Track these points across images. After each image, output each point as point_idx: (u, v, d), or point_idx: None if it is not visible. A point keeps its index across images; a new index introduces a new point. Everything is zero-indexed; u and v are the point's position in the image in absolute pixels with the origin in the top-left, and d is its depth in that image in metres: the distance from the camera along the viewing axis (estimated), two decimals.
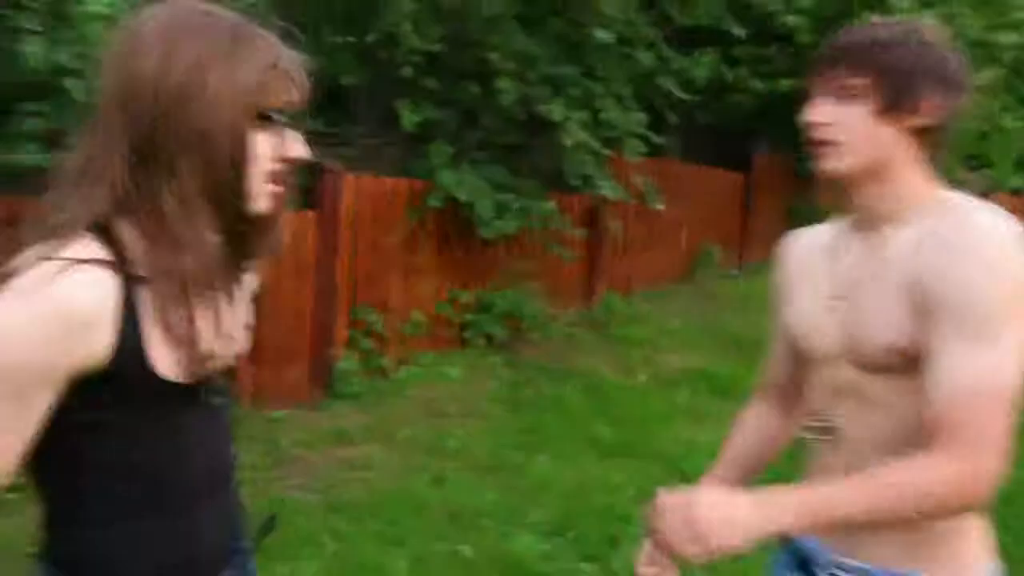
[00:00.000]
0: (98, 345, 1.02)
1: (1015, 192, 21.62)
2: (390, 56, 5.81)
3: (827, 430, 1.47)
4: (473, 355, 6.43)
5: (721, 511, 1.19)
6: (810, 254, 1.56)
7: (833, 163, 1.36)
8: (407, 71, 5.73)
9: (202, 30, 1.07)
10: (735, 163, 10.27)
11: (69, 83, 3.81)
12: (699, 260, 9.60)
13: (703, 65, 6.90)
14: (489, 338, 6.62)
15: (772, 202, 10.84)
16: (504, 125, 6.39)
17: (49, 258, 1.00)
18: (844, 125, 1.34)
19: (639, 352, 6.92)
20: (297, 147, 1.14)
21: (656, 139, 6.84)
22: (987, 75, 9.05)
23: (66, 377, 1.03)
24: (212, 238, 1.09)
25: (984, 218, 1.29)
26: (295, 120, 1.16)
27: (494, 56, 5.92)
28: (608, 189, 6.50)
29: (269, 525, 1.42)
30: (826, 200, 1.51)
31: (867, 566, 1.39)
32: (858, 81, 1.33)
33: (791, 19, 6.47)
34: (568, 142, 6.10)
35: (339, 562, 3.51)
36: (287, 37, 1.15)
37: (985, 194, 17.98)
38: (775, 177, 10.73)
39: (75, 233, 1.03)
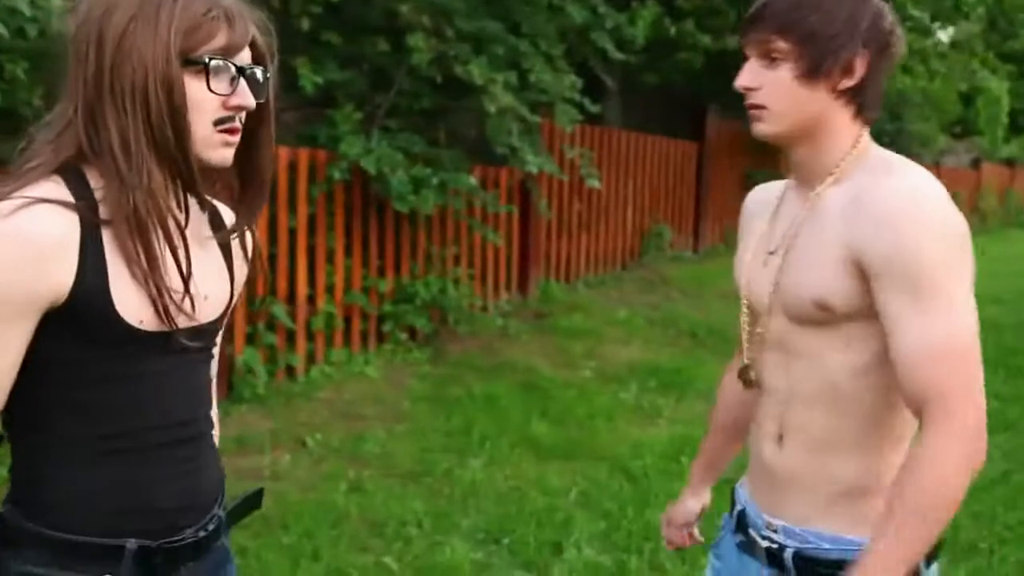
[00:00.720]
0: (60, 276, 1.23)
1: (1007, 162, 22.29)
2: (285, 6, 5.87)
3: (752, 379, 1.69)
4: (393, 351, 6.58)
5: None
6: (757, 209, 1.79)
7: (763, 127, 1.56)
8: (304, 23, 5.79)
9: None
10: (685, 130, 10.55)
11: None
12: (648, 241, 9.88)
13: (643, 19, 7.11)
14: (411, 331, 6.77)
15: (728, 173, 11.19)
16: (419, 88, 6.51)
17: (13, 196, 1.22)
18: (770, 89, 1.53)
19: (581, 345, 7.14)
20: (242, 94, 1.33)
21: (592, 106, 7.03)
22: (958, 31, 9.42)
23: (33, 310, 1.24)
24: (157, 179, 1.29)
25: (911, 178, 1.49)
26: (246, 67, 1.34)
27: (404, 8, 6.02)
28: (536, 164, 6.64)
29: (253, 500, 1.60)
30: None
31: (793, 526, 1.61)
32: (782, 45, 1.50)
33: None
34: (492, 107, 6.18)
35: None
36: None
37: (976, 163, 18.60)
38: (730, 144, 11.05)
39: (43, 176, 1.27)
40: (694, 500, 2.03)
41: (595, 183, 7.38)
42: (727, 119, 11.02)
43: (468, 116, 6.85)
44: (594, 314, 7.90)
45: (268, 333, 5.86)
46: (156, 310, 1.30)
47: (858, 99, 1.54)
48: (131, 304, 1.29)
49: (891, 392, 1.51)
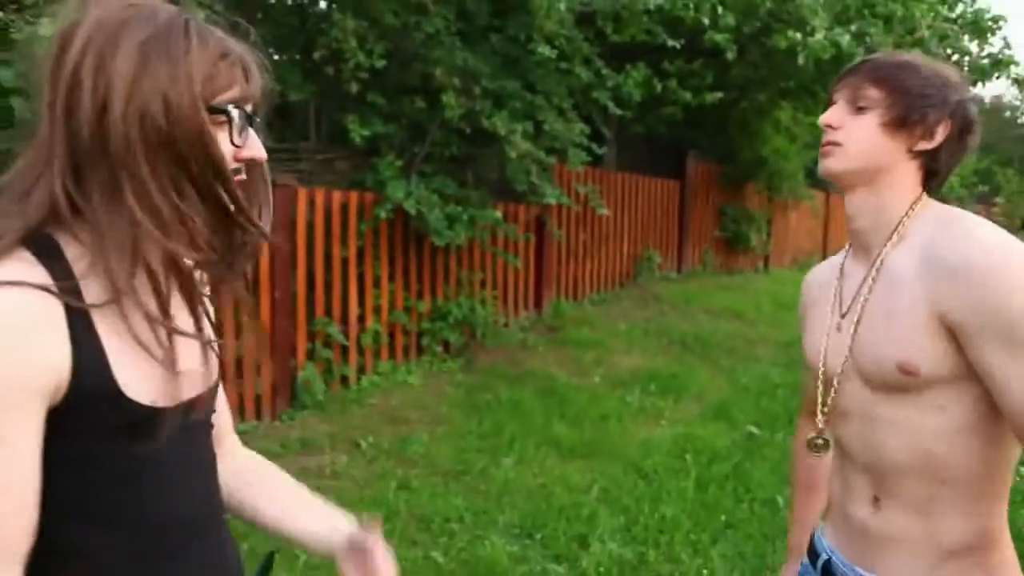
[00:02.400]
0: (52, 358, 0.87)
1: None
2: (336, 72, 5.68)
3: (820, 446, 1.47)
4: (431, 362, 6.32)
5: None
6: (821, 282, 1.54)
7: (832, 163, 1.35)
8: (353, 87, 5.61)
9: (135, 22, 0.92)
10: (667, 171, 10.35)
11: (14, 102, 3.63)
12: (641, 264, 9.62)
13: (634, 78, 6.90)
14: (446, 345, 6.53)
15: (705, 207, 10.97)
16: (449, 138, 6.32)
17: None
18: (850, 130, 1.34)
19: (590, 354, 6.86)
20: (253, 145, 1.00)
21: (598, 150, 6.82)
22: None
23: (33, 401, 0.87)
24: (202, 236, 0.95)
25: (979, 229, 1.24)
26: (252, 119, 1.01)
27: (438, 71, 5.83)
28: (553, 196, 6.45)
29: (267, 564, 1.27)
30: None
31: None
32: (873, 92, 1.32)
33: (718, 36, 6.51)
34: (512, 153, 6.04)
35: (311, 572, 3.37)
36: (236, 31, 1.01)
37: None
38: (706, 183, 10.87)
39: (8, 250, 0.88)
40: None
41: (604, 211, 7.16)
42: (703, 162, 10.82)
43: (491, 161, 6.62)
44: (599, 327, 7.63)
45: (325, 349, 5.65)
46: (166, 383, 0.95)
47: (929, 164, 1.35)
48: (138, 381, 0.93)
49: (987, 450, 1.25)
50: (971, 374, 1.23)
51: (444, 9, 6.04)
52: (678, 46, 6.64)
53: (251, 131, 1.00)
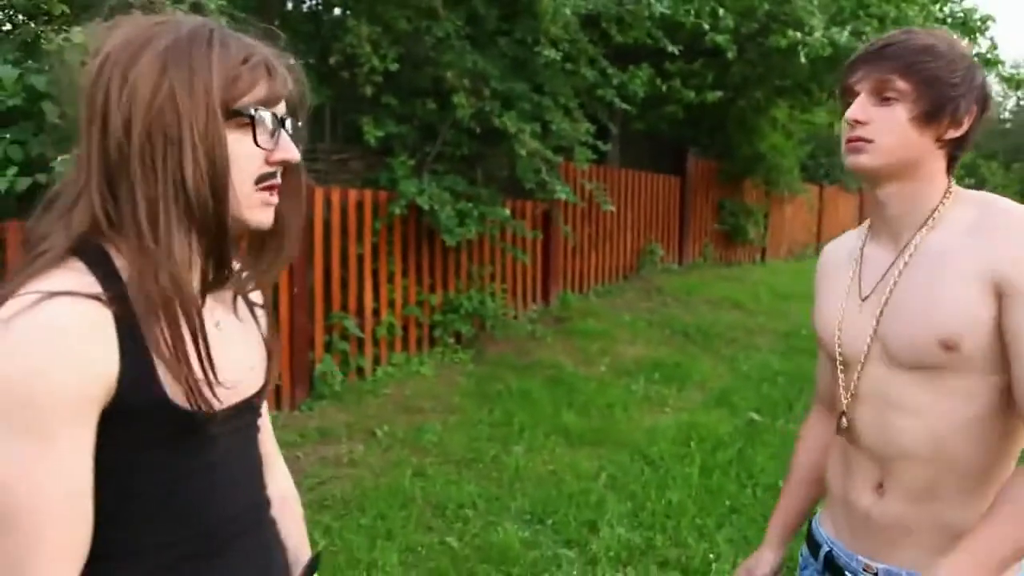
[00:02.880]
0: (101, 365, 0.84)
1: None
2: (351, 76, 5.60)
3: (848, 432, 1.36)
4: (443, 353, 6.25)
5: None
6: (836, 259, 1.47)
7: (863, 160, 1.27)
8: (368, 90, 5.53)
9: (157, 34, 0.90)
10: (668, 168, 10.25)
11: (46, 107, 3.57)
12: (644, 257, 9.54)
13: (639, 79, 6.80)
14: (457, 336, 6.46)
15: (704, 202, 10.87)
16: (460, 138, 6.24)
17: (25, 291, 0.83)
18: (880, 125, 1.25)
19: (596, 344, 6.78)
20: (286, 147, 0.95)
21: (603, 147, 6.73)
22: None
23: (87, 409, 0.84)
24: (183, 254, 0.89)
25: (1016, 204, 1.23)
26: (288, 120, 0.97)
27: (449, 74, 5.75)
28: (563, 193, 6.36)
29: (312, 566, 1.19)
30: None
31: (897, 567, 1.28)
32: (902, 84, 1.23)
33: (719, 37, 6.41)
34: (522, 151, 5.97)
35: (331, 558, 3.31)
36: (267, 36, 0.98)
37: None
38: (705, 179, 10.76)
39: (56, 263, 0.86)
40: (773, 555, 1.60)
41: (609, 207, 7.06)
42: (703, 158, 10.72)
43: (500, 159, 6.54)
44: (604, 318, 7.54)
45: (341, 341, 5.58)
46: (194, 391, 0.90)
47: (956, 151, 1.28)
48: (178, 390, 0.90)
49: (998, 441, 1.19)
50: (1000, 362, 1.18)
51: (454, 14, 5.95)
52: (676, 52, 6.52)
53: (283, 133, 0.96)
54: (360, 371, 5.74)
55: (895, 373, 1.27)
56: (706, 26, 6.33)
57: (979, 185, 22.99)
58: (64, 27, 3.65)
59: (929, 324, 1.21)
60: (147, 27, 0.91)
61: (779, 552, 1.61)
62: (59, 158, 3.50)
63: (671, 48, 6.34)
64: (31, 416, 0.80)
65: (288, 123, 0.97)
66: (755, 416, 5.01)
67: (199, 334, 0.90)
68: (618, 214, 8.92)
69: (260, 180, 0.94)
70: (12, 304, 0.82)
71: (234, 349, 1.00)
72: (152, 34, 0.90)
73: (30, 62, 3.68)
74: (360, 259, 5.83)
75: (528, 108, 6.17)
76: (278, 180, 0.97)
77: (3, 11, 4.09)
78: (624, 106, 6.64)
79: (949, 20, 7.89)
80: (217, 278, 0.97)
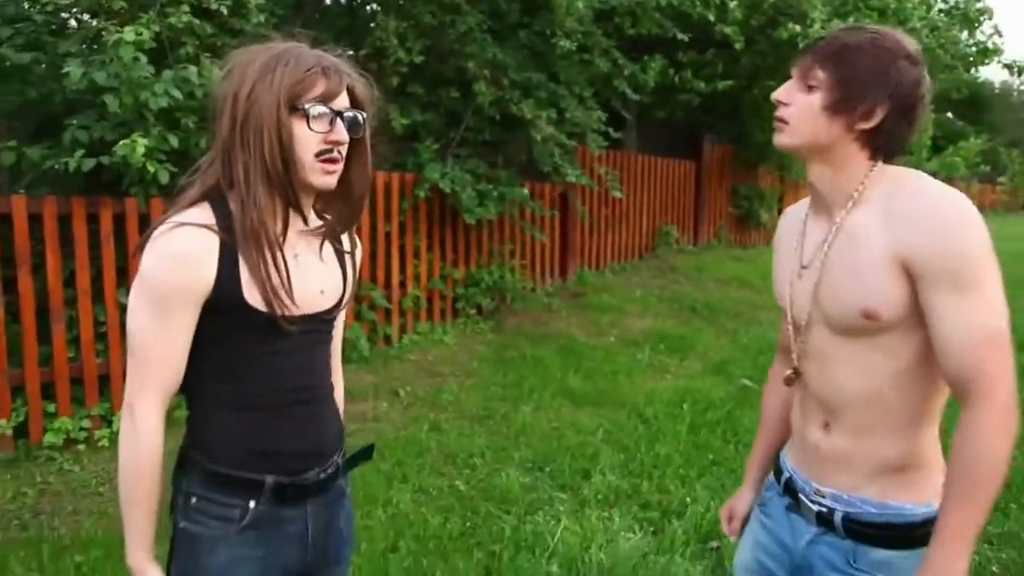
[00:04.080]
0: (206, 277, 1.26)
1: (930, 175, 22.02)
2: (379, 67, 5.88)
3: (799, 382, 1.52)
4: (464, 324, 6.55)
5: None
6: (788, 228, 1.56)
7: (781, 138, 1.40)
8: (394, 80, 5.80)
9: (255, 57, 1.30)
10: (684, 153, 10.40)
11: (107, 98, 3.89)
12: (659, 238, 9.73)
13: (652, 69, 7.00)
14: (478, 308, 6.75)
15: (718, 186, 11.01)
16: (482, 124, 6.49)
17: (169, 220, 1.27)
18: (797, 109, 1.36)
19: (607, 317, 7.04)
20: (338, 131, 1.30)
21: (614, 134, 6.94)
22: None
23: (193, 302, 1.27)
24: (265, 202, 1.29)
25: (935, 187, 1.30)
26: (341, 111, 1.32)
27: (471, 64, 6.01)
28: (575, 176, 6.60)
29: (366, 452, 1.56)
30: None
31: (841, 493, 1.44)
32: (820, 74, 1.34)
33: (727, 29, 6.57)
34: (538, 136, 6.21)
35: (355, 496, 3.61)
36: (330, 49, 1.37)
37: None
38: (720, 164, 10.90)
39: (191, 203, 1.30)
40: (752, 493, 1.75)
41: (618, 193, 7.28)
42: (718, 144, 10.85)
43: (519, 144, 6.78)
44: (617, 294, 7.79)
45: (369, 311, 5.90)
46: (267, 301, 1.29)
47: (872, 142, 1.36)
48: (256, 297, 1.29)
49: (925, 387, 1.35)
50: (920, 320, 1.29)
51: (477, 8, 6.20)
52: (686, 39, 6.70)
53: (339, 122, 1.30)
54: (387, 339, 6.06)
55: (832, 334, 1.39)
56: (711, 17, 6.49)
57: (999, 172, 22.69)
58: (119, 27, 3.96)
59: (852, 297, 1.33)
60: (255, 51, 1.31)
61: (757, 490, 1.73)
62: (120, 142, 3.85)
63: (681, 36, 6.51)
64: (157, 296, 1.26)
65: (353, 115, 1.32)
66: (747, 382, 5.26)
67: (277, 258, 1.30)
68: (634, 197, 9.13)
69: (319, 154, 1.30)
70: (161, 227, 1.27)
71: (308, 276, 1.37)
72: (254, 56, 1.30)
73: (92, 57, 4.00)
74: (388, 236, 6.13)
75: (544, 96, 6.40)
76: (336, 155, 1.32)
77: (69, 10, 4.42)
78: (635, 96, 6.82)
79: (952, 11, 7.95)
80: (294, 223, 1.36)
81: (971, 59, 7.33)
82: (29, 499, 3.55)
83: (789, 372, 1.52)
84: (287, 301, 1.31)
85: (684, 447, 4.14)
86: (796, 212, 1.57)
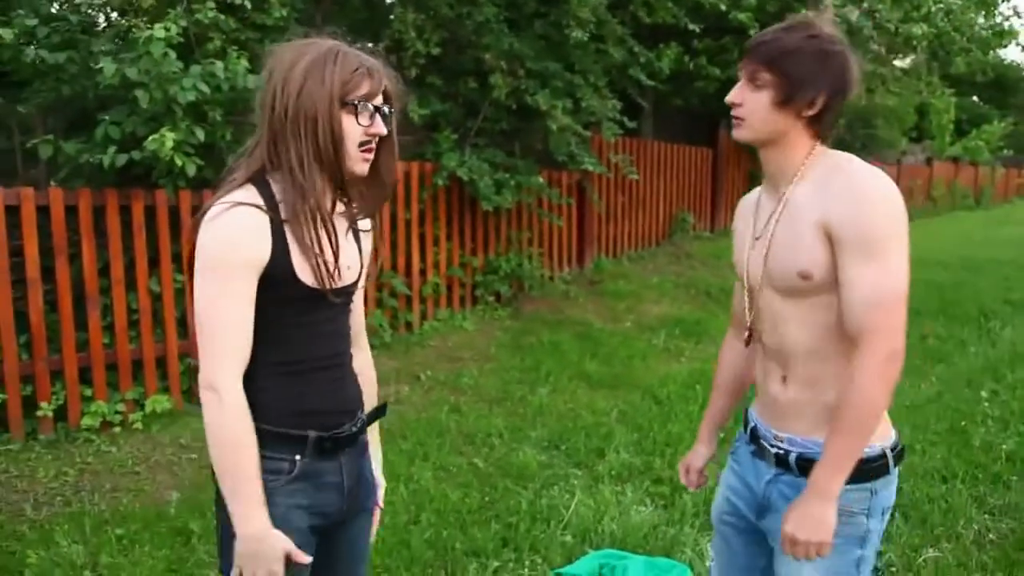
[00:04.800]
0: (262, 251, 1.39)
1: (953, 160, 21.80)
2: (398, 59, 6.00)
3: (756, 341, 1.70)
4: (483, 310, 6.68)
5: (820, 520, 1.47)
6: (744, 208, 1.77)
7: (740, 134, 1.59)
8: (412, 72, 5.92)
9: (306, 53, 1.42)
10: (703, 140, 10.45)
11: (139, 93, 4.04)
12: (676, 225, 9.80)
13: (667, 57, 7.07)
14: (497, 295, 6.87)
15: (736, 172, 11.05)
16: (499, 114, 6.59)
17: (222, 201, 1.39)
18: (750, 107, 1.54)
19: (624, 303, 7.15)
20: (379, 125, 1.45)
21: (629, 123, 7.01)
22: (909, 60, 9.20)
23: (253, 273, 1.39)
24: (320, 185, 1.43)
25: (862, 168, 1.49)
26: (380, 107, 1.47)
27: (488, 55, 6.11)
28: (590, 164, 6.70)
29: (381, 410, 1.73)
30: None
31: (795, 436, 1.62)
32: (765, 76, 1.51)
33: (740, 16, 6.63)
34: (553, 126, 6.29)
35: None
36: (373, 51, 1.51)
37: (928, 161, 18.01)
38: (737, 151, 10.92)
39: (239, 186, 1.42)
40: (706, 449, 1.97)
41: (634, 175, 7.36)
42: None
43: (536, 133, 6.89)
44: (634, 280, 7.89)
45: (391, 299, 6.04)
46: (318, 276, 1.44)
47: (815, 125, 1.56)
48: (305, 272, 1.43)
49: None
50: None
51: (493, 0, 6.29)
52: (697, 29, 6.76)
53: (378, 117, 1.45)
54: (408, 325, 6.20)
55: (778, 296, 1.59)
56: (723, 7, 6.55)
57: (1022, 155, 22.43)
58: (148, 24, 4.12)
59: (791, 261, 1.53)
60: (299, 48, 1.43)
61: (711, 446, 1.97)
62: (151, 137, 4.01)
63: (692, 27, 6.58)
64: (220, 268, 1.38)
65: (384, 109, 1.46)
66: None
67: (332, 237, 1.46)
68: (651, 184, 9.20)
69: (361, 145, 1.44)
70: (216, 207, 1.39)
71: (341, 253, 1.51)
72: (302, 53, 1.42)
73: (123, 55, 4.15)
74: (408, 224, 6.25)
75: (560, 86, 6.50)
76: (373, 146, 1.47)
77: (100, 9, 4.58)
78: (650, 83, 6.89)
79: None
80: (340, 204, 1.51)
81: (988, 42, 7.32)
82: (70, 478, 3.73)
83: (746, 334, 1.72)
84: (336, 276, 1.47)
85: (696, 426, 4.22)
86: (752, 195, 1.77)
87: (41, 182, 4.63)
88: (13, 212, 4.04)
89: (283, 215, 1.41)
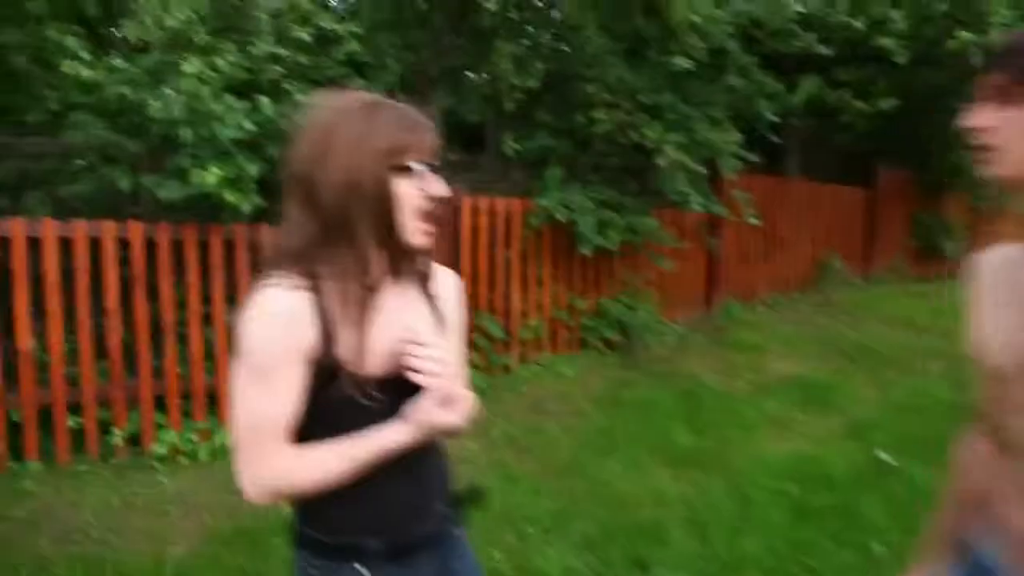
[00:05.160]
0: (304, 337, 1.12)
1: None
2: (495, 92, 5.23)
3: (1004, 442, 1.14)
4: (588, 357, 5.69)
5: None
6: (994, 273, 1.20)
7: (996, 169, 1.08)
8: (509, 106, 5.11)
9: (344, 107, 1.17)
10: (856, 179, 8.83)
11: (182, 131, 3.55)
12: (822, 270, 8.29)
13: (806, 88, 5.80)
14: (606, 341, 5.86)
15: (895, 215, 9.28)
16: (612, 149, 5.65)
17: (265, 285, 1.14)
18: (1003, 130, 1.06)
19: (744, 357, 5.87)
20: (437, 187, 1.18)
21: (752, 158, 5.81)
22: None
23: (298, 360, 1.13)
24: (375, 265, 1.17)
25: None
26: (437, 165, 1.17)
27: (590, 88, 5.18)
28: (698, 204, 5.58)
29: (473, 495, 1.38)
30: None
31: None
32: (1020, 87, 1.03)
33: (885, 41, 5.23)
34: (663, 163, 5.28)
35: None
36: (421, 103, 1.20)
37: None
38: (897, 191, 9.18)
39: (284, 265, 1.15)
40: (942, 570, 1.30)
41: (753, 220, 6.11)
42: (895, 169, 9.10)
43: (653, 170, 5.85)
44: (763, 330, 6.56)
45: (483, 339, 5.22)
46: (361, 362, 1.16)
47: None
48: (351, 357, 1.15)
49: None
50: None
51: (601, 32, 5.37)
52: (831, 54, 5.43)
53: (434, 175, 1.17)
54: (506, 368, 5.38)
55: None
56: (857, 24, 5.18)
57: None
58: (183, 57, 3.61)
59: None
60: (336, 101, 1.18)
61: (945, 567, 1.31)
62: (194, 170, 3.46)
63: (825, 51, 5.27)
64: (255, 358, 1.13)
65: (435, 166, 1.18)
66: (884, 456, 3.93)
67: (367, 318, 1.16)
68: (793, 225, 7.82)
69: (419, 213, 1.17)
70: (255, 293, 1.14)
71: (397, 332, 1.20)
72: (340, 107, 1.17)
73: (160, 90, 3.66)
74: (508, 263, 5.46)
75: (674, 119, 5.44)
76: (434, 212, 1.18)
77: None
78: (772, 118, 5.66)
79: None
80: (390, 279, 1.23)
81: None
82: (110, 509, 3.40)
83: (993, 436, 1.18)
84: (377, 363, 1.17)
85: (779, 544, 3.02)
86: (1001, 255, 1.21)
87: (122, 213, 4.26)
88: (97, 245, 3.77)
89: (328, 296, 1.15)
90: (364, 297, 1.16)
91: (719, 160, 5.55)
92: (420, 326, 1.25)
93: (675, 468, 3.89)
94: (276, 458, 1.16)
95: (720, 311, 6.95)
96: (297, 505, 1.26)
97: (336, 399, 1.15)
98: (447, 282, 1.36)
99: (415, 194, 1.16)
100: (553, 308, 5.71)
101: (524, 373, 5.34)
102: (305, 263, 1.16)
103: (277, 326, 1.11)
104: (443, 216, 1.28)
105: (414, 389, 1.20)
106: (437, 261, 1.32)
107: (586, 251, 5.28)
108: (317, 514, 1.23)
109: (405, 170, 1.14)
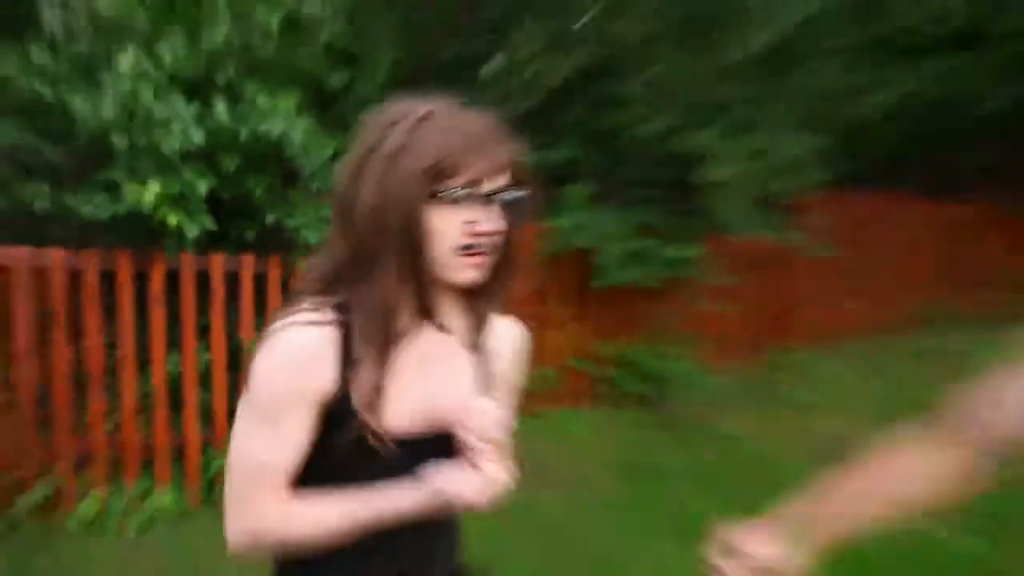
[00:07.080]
0: (321, 379, 1.20)
1: None
2: (506, 87, 5.37)
3: None
4: (610, 413, 5.83)
5: None
6: None
7: None
8: (521, 106, 5.26)
9: (391, 121, 1.19)
10: (1001, 196, 8.66)
11: (115, 138, 3.79)
12: (909, 311, 8.23)
13: (916, 77, 5.76)
14: (629, 394, 5.98)
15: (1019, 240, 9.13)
16: (651, 160, 5.71)
17: (288, 315, 1.22)
18: None
19: (794, 416, 5.93)
20: (485, 221, 1.17)
21: (827, 171, 5.84)
22: None
23: (307, 404, 1.21)
24: (398, 304, 1.21)
25: None
26: (495, 192, 1.18)
27: (631, 84, 5.27)
28: (764, 231, 5.62)
29: (490, 571, 1.50)
30: None
31: None
32: None
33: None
34: (716, 177, 5.34)
35: None
36: (490, 118, 1.21)
37: None
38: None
39: (309, 299, 1.24)
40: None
41: (816, 251, 6.13)
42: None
43: (702, 187, 5.90)
44: (821, 383, 6.59)
45: None
46: (393, 411, 1.24)
47: None
48: (369, 403, 1.23)
49: None
50: None
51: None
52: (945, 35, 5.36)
53: (491, 206, 1.18)
54: None
55: None
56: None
57: None
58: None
59: None
60: (387, 115, 1.21)
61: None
62: (128, 186, 3.70)
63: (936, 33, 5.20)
64: (261, 400, 1.21)
65: (507, 195, 1.19)
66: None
67: (387, 362, 1.23)
68: (898, 253, 7.80)
69: (460, 248, 1.19)
70: (273, 327, 1.21)
71: (429, 383, 1.28)
72: (387, 122, 1.20)
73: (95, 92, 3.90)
74: (519, 302, 5.60)
75: (733, 122, 5.49)
76: (481, 248, 1.19)
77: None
78: (862, 117, 5.69)
79: None
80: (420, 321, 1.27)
81: None
82: None
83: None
84: (399, 415, 1.26)
85: None
86: None
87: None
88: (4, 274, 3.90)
89: (355, 333, 1.21)
90: (386, 339, 1.21)
91: (794, 173, 5.56)
92: (458, 382, 1.30)
93: (685, 548, 3.96)
94: (269, 507, 1.23)
95: (768, 359, 6.96)
96: (279, 562, 1.34)
97: (346, 447, 1.22)
98: (507, 334, 1.39)
99: (455, 227, 1.18)
100: (575, 356, 5.80)
101: (529, 432, 5.48)
102: (332, 293, 1.23)
103: (289, 366, 1.18)
104: (502, 251, 1.22)
105: (437, 450, 1.27)
106: (501, 307, 1.33)
107: (601, 284, 5.39)
108: (313, 570, 1.29)
109: (447, 196, 1.16)
